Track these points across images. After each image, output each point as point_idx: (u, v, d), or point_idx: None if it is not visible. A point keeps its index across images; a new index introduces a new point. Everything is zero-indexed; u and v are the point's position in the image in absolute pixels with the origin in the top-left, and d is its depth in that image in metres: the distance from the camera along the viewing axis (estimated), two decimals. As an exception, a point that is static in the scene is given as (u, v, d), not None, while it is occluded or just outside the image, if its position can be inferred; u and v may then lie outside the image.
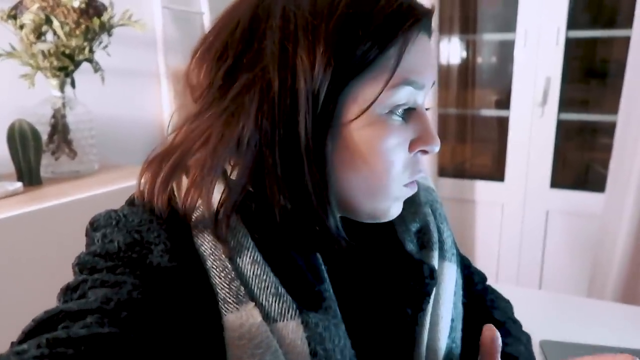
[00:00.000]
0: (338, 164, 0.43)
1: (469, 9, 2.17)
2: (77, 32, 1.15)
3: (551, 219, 2.05)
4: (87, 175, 1.26)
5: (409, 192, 0.47)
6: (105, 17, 1.18)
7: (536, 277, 2.14)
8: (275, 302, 0.39)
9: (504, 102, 2.09)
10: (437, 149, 0.45)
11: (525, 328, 0.64)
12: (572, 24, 1.89)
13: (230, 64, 0.42)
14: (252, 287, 0.39)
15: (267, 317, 0.39)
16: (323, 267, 0.44)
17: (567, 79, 1.95)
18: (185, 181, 0.43)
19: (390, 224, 0.51)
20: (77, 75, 1.25)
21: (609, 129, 1.85)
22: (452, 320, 0.52)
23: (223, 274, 0.39)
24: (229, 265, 0.39)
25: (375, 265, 0.51)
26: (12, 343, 0.32)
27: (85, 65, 1.24)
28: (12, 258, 0.93)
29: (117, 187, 1.14)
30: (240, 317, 0.38)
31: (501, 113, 2.14)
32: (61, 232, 1.00)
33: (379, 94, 0.41)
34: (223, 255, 0.40)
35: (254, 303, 0.39)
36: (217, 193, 0.42)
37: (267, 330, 0.38)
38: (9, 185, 1.06)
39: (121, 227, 0.41)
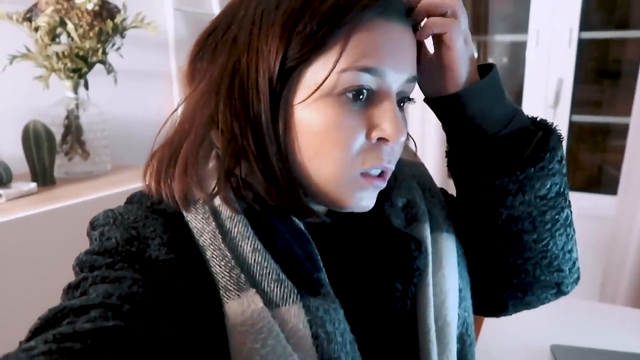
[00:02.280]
0: (292, 145, 0.44)
1: (481, 10, 2.16)
2: (91, 34, 1.17)
3: (562, 222, 2.04)
4: (99, 176, 1.27)
5: (368, 185, 0.45)
6: (118, 20, 1.20)
7: (547, 280, 2.12)
8: (277, 287, 0.40)
9: (516, 104, 2.07)
10: (397, 138, 0.43)
11: (536, 332, 0.63)
12: (584, 24, 1.87)
13: (214, 47, 0.45)
14: (254, 274, 0.40)
15: (269, 302, 0.39)
16: (319, 257, 0.45)
17: (579, 80, 1.93)
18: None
19: (378, 201, 0.51)
20: (90, 76, 1.26)
21: (622, 131, 1.83)
22: (460, 290, 0.52)
23: (223, 263, 0.40)
24: (229, 254, 0.41)
25: (367, 246, 0.51)
26: (21, 342, 0.33)
27: (98, 67, 1.25)
28: (26, 257, 0.94)
29: (129, 187, 1.16)
30: (242, 304, 0.39)
31: (512, 114, 2.12)
32: (74, 232, 1.00)
33: (325, 79, 0.41)
34: (222, 245, 0.41)
35: (255, 290, 0.40)
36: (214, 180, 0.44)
37: (269, 316, 0.39)
38: (23, 186, 1.07)
39: (118, 225, 0.43)
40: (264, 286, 0.40)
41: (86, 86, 1.27)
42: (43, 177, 1.15)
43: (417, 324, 0.49)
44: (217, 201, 0.43)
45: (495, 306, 0.60)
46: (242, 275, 0.40)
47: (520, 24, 1.99)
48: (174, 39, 1.71)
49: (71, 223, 1.01)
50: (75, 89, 1.24)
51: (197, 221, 0.43)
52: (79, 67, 1.20)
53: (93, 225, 0.45)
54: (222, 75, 0.44)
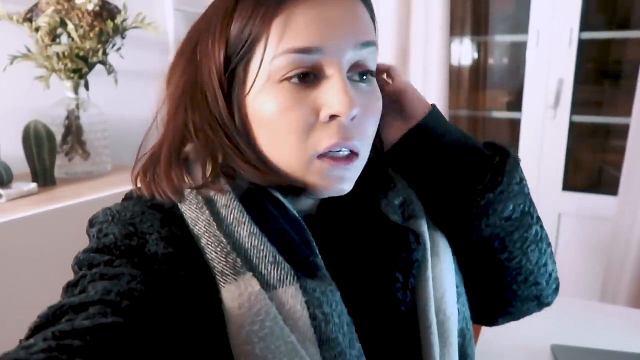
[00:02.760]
0: (253, 137, 0.46)
1: (481, 10, 2.16)
2: (91, 34, 1.17)
3: (563, 222, 2.04)
4: (100, 176, 1.27)
5: (331, 167, 0.45)
6: (118, 20, 1.20)
7: (547, 280, 2.12)
8: (274, 269, 0.40)
9: (516, 104, 2.08)
10: (347, 111, 0.42)
11: (536, 332, 0.64)
12: (585, 25, 1.87)
13: (183, 59, 0.49)
14: (251, 257, 0.41)
15: (266, 285, 0.40)
16: (314, 244, 0.45)
17: (579, 81, 1.93)
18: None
19: (375, 200, 0.52)
20: (90, 77, 1.26)
21: (622, 131, 1.83)
22: (457, 286, 0.53)
23: (219, 249, 0.41)
24: (224, 240, 0.41)
25: (365, 239, 0.51)
26: (20, 340, 0.33)
27: (98, 67, 1.25)
28: (26, 258, 0.94)
29: (129, 187, 1.15)
30: (239, 287, 0.39)
31: (513, 115, 2.12)
32: (74, 232, 1.01)
33: (258, 71, 0.44)
34: (217, 232, 0.41)
35: (251, 273, 0.40)
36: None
37: (266, 298, 0.39)
38: (23, 186, 1.07)
39: (116, 222, 0.43)
40: (261, 269, 0.40)
41: (86, 86, 1.27)
42: (43, 177, 1.15)
43: (418, 318, 0.49)
44: (212, 190, 0.44)
45: (483, 317, 0.62)
46: (239, 260, 0.40)
47: (521, 24, 1.99)
48: (174, 39, 1.71)
49: (71, 223, 1.01)
50: (75, 90, 1.24)
51: (191, 211, 0.43)
52: (79, 67, 1.20)
53: (92, 223, 0.45)
54: (186, 82, 0.47)
